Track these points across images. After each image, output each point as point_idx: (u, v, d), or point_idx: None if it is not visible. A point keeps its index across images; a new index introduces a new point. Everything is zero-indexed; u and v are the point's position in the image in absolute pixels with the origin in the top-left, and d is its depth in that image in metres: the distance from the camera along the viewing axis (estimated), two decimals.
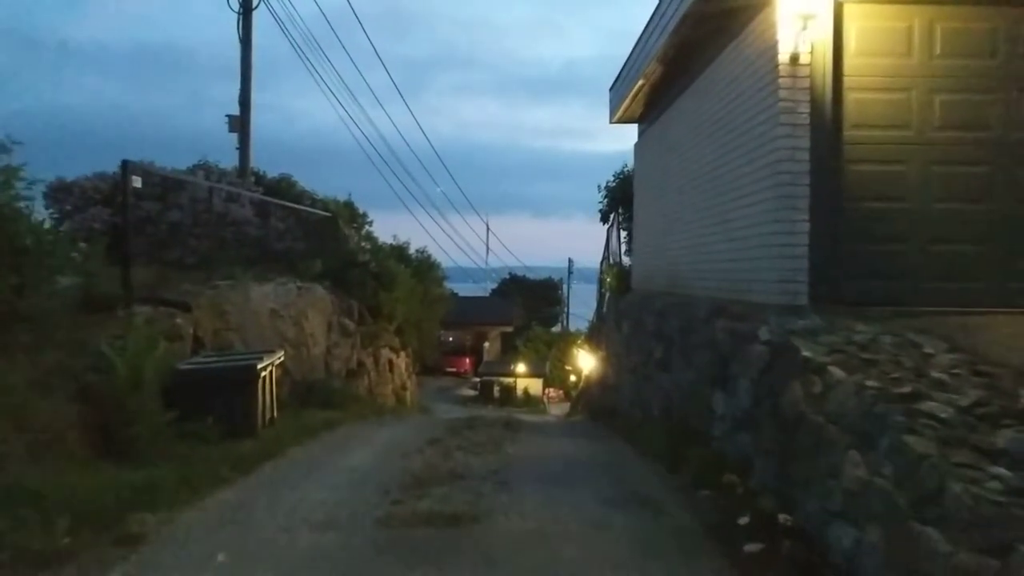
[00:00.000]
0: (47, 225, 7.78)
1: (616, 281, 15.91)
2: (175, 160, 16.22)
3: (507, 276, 61.44)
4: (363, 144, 56.04)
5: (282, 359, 8.65)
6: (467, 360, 50.08)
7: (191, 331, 8.42)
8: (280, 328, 10.95)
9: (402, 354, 18.97)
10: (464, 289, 48.54)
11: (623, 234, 16.98)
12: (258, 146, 17.48)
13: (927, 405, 4.08)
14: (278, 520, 5.09)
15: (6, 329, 6.57)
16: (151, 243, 14.11)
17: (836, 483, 4.30)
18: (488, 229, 51.55)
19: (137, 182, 8.42)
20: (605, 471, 6.78)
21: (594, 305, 25.41)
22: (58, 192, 13.63)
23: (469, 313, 44.46)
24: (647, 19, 10.02)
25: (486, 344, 52.20)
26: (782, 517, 4.75)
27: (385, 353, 16.87)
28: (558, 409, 33.44)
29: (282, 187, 17.43)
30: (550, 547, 4.64)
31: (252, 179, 16.96)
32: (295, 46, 25.47)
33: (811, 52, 6.44)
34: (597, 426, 10.81)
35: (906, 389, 4.29)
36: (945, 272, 6.48)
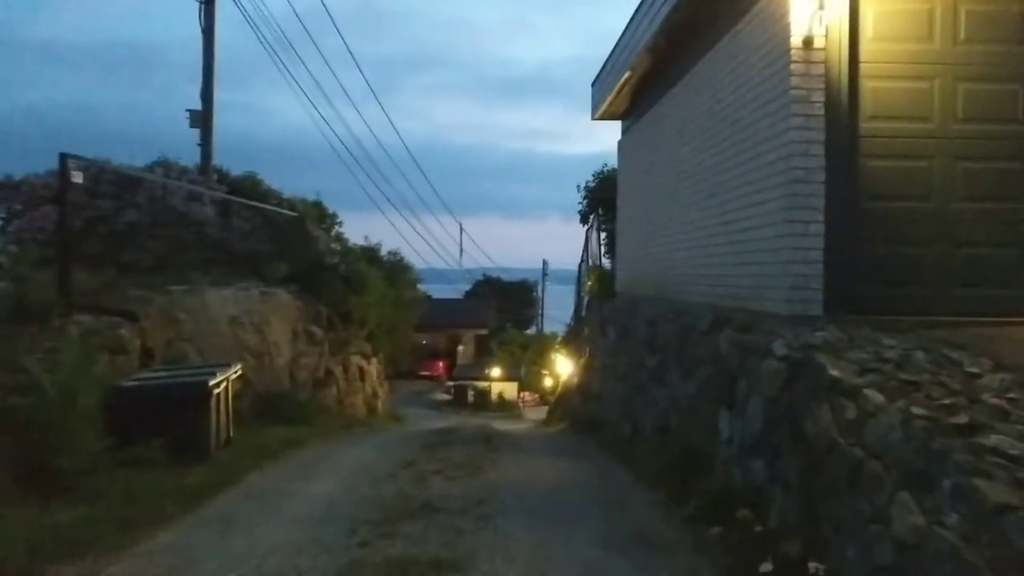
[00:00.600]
0: None
1: (598, 285, 15.30)
2: (147, 158, 15.34)
3: (481, 278, 60.63)
4: (335, 145, 54.74)
5: (239, 372, 7.87)
6: (441, 364, 49.26)
7: (138, 343, 7.62)
8: (241, 337, 10.15)
9: (374, 360, 18.17)
10: (438, 291, 47.63)
11: (603, 236, 16.39)
12: (231, 145, 16.62)
13: (992, 439, 3.45)
14: (222, 573, 4.34)
15: None
16: (105, 244, 13.30)
17: (883, 530, 3.65)
18: (462, 230, 50.69)
19: (78, 177, 7.60)
20: (600, 501, 6.10)
21: (570, 307, 24.88)
22: (4, 191, 12.74)
23: (443, 315, 43.63)
24: (635, 6, 9.40)
25: (460, 347, 51.39)
26: (812, 566, 4.11)
27: (355, 360, 16.07)
28: (534, 414, 32.80)
29: (247, 185, 16.57)
30: None
31: (215, 177, 16.11)
32: (262, 40, 24.56)
33: (826, 35, 5.83)
34: (582, 440, 10.14)
35: (962, 419, 3.66)
36: (972, 277, 5.90)
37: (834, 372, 4.51)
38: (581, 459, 8.32)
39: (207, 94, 16.10)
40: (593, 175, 16.63)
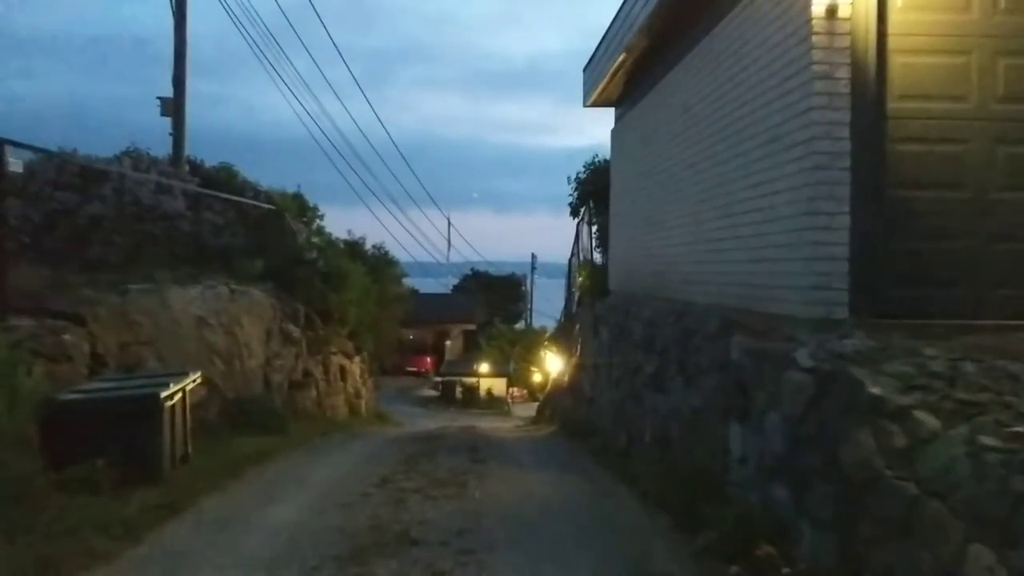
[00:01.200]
0: None
1: (590, 280, 14.62)
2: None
3: (469, 272, 59.84)
4: (324, 139, 53.76)
5: (198, 380, 7.14)
6: (428, 359, 48.54)
7: (86, 349, 6.88)
8: (208, 339, 9.41)
9: (356, 359, 17.44)
10: (425, 285, 46.88)
11: (595, 229, 15.72)
12: (221, 141, 15.87)
13: None
14: None
15: None
16: (67, 240, 12.53)
17: None
18: (449, 224, 49.90)
19: (17, 166, 6.87)
20: (600, 528, 5.41)
21: (560, 302, 24.22)
22: None
23: (430, 310, 42.87)
24: None
25: (448, 342, 50.65)
26: None
27: (336, 360, 15.34)
28: (523, 410, 32.15)
29: (221, 177, 15.78)
30: None
31: (187, 168, 15.32)
32: (243, 32, 23.67)
33: (851, 3, 5.18)
34: (574, 449, 9.48)
35: None
36: (1015, 276, 5.26)
37: (874, 389, 3.86)
38: (574, 473, 7.65)
39: (179, 80, 15.31)
40: (584, 166, 15.93)
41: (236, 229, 14.57)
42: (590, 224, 15.99)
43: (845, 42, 5.17)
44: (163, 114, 15.56)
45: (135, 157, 14.44)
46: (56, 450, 5.69)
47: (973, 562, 2.88)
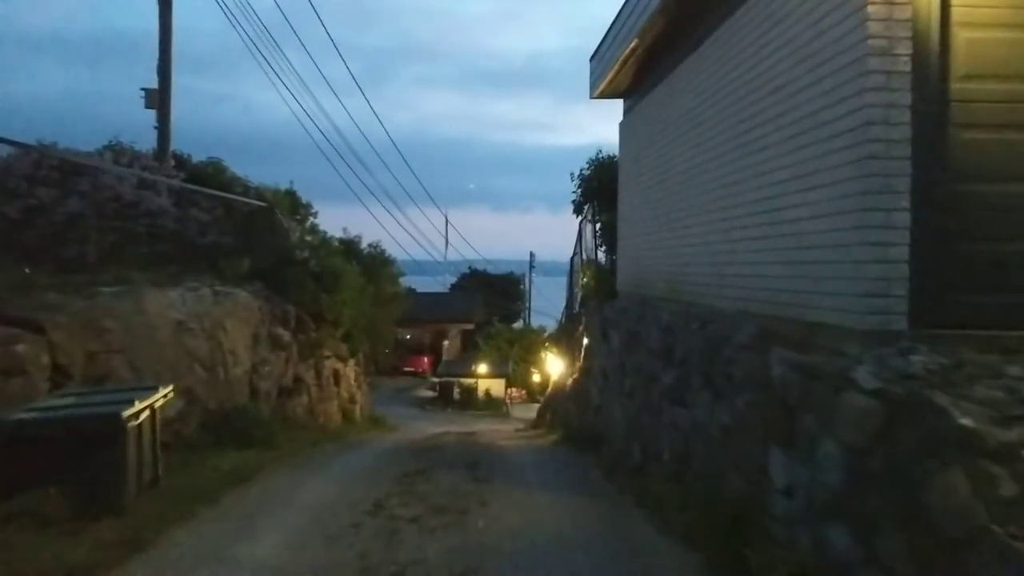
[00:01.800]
0: None
1: (595, 281, 13.95)
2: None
3: (467, 270, 59.16)
4: (315, 136, 53.05)
5: (170, 395, 6.45)
6: (425, 359, 47.86)
7: (45, 360, 6.19)
8: (188, 345, 8.72)
9: (351, 362, 16.77)
10: (422, 284, 46.21)
11: (598, 227, 15.06)
12: (216, 135, 15.21)
13: None
14: None
15: None
16: (43, 238, 11.85)
17: None
18: (447, 222, 49.26)
19: None
20: (619, 569, 4.74)
21: (559, 301, 23.53)
22: None
23: (427, 310, 42.23)
24: None
25: (445, 342, 49.94)
26: None
27: (330, 364, 14.66)
28: (522, 412, 31.48)
29: (209, 173, 15.10)
30: None
31: (172, 163, 14.63)
32: (237, 28, 22.99)
33: None
34: (583, 463, 8.79)
35: None
36: None
37: (964, 420, 3.19)
38: (586, 494, 6.97)
39: (164, 70, 14.65)
40: (588, 162, 15.25)
41: (224, 227, 13.89)
42: (594, 222, 15.33)
43: (906, 13, 4.51)
44: (147, 106, 14.88)
45: (117, 151, 13.77)
46: (3, 477, 5.03)
47: None
